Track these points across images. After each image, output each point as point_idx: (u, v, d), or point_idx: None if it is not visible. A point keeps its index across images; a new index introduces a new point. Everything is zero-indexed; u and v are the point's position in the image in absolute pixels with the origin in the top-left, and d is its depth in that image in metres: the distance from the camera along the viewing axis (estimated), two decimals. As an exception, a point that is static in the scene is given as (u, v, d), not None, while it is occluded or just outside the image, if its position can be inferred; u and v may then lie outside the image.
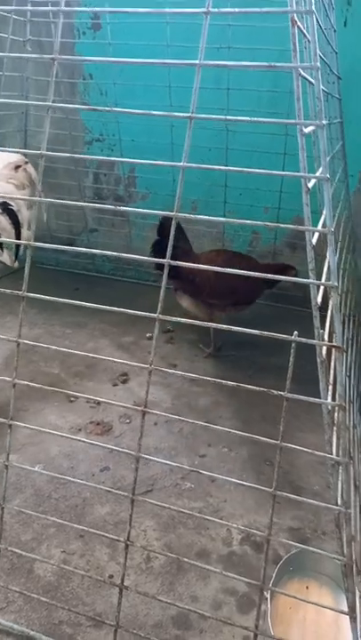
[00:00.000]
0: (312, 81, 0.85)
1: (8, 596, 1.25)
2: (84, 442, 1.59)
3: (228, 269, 0.92)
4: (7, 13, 2.51)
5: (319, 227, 0.90)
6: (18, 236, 2.21)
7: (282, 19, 0.83)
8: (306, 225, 0.86)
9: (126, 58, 1.02)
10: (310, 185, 0.86)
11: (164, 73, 2.42)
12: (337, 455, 0.89)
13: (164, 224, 2.19)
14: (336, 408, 0.89)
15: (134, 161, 0.96)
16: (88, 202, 3.04)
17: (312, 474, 1.70)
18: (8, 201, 2.17)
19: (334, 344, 0.86)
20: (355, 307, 2.07)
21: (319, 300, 0.88)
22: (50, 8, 2.36)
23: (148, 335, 2.50)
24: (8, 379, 1.08)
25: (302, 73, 0.83)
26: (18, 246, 2.25)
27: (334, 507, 0.88)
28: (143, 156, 1.00)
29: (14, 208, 2.20)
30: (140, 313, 0.95)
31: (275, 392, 0.90)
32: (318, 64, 0.83)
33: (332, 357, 0.91)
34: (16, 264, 2.26)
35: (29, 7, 2.56)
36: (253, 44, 2.24)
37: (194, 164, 0.92)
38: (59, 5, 0.98)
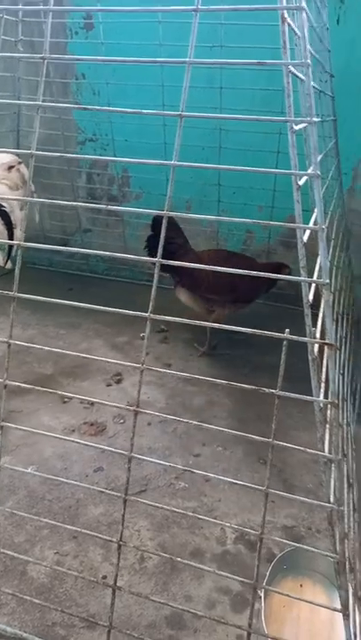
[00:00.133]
0: (302, 78, 0.85)
1: (1, 598, 1.24)
2: (77, 443, 1.58)
3: (214, 267, 0.92)
4: (-1, 13, 2.50)
5: (311, 224, 0.90)
6: (10, 237, 2.20)
7: (274, 17, 0.82)
8: (297, 222, 0.86)
9: (118, 57, 1.01)
10: (301, 182, 0.85)
11: (157, 72, 2.42)
12: (329, 453, 0.89)
13: (158, 220, 2.19)
14: (328, 405, 0.89)
15: (124, 160, 0.95)
16: (80, 202, 3.03)
17: (306, 472, 1.70)
18: (1, 202, 2.16)
19: (326, 341, 0.85)
20: (348, 305, 2.08)
21: (311, 297, 0.88)
22: (41, 7, 2.36)
23: (141, 335, 2.49)
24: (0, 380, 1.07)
25: (293, 70, 0.83)
26: (10, 247, 2.24)
27: (327, 504, 0.87)
28: (136, 156, 0.99)
29: (7, 209, 2.19)
30: (130, 312, 0.94)
31: (266, 390, 0.90)
32: (309, 61, 0.83)
33: (325, 355, 0.91)
34: (9, 265, 2.25)
35: (20, 6, 2.55)
36: (246, 43, 2.24)
37: (185, 163, 0.91)
38: (49, 5, 0.97)
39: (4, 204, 2.17)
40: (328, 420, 0.93)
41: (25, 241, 1.06)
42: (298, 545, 1.03)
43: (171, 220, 2.21)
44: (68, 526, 1.15)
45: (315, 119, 0.83)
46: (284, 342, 0.86)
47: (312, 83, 0.92)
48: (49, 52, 0.99)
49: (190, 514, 1.10)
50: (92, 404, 1.98)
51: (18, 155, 2.44)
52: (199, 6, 0.87)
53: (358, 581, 1.26)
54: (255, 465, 1.72)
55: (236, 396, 2.08)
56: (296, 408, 1.98)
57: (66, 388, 2.08)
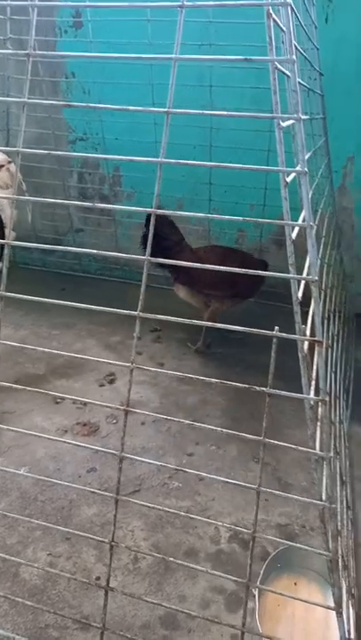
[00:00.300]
0: (288, 74, 0.84)
1: (-7, 600, 1.23)
2: (70, 443, 1.57)
3: (205, 265, 0.91)
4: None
5: (300, 222, 0.89)
6: (2, 237, 2.18)
7: (263, 15, 0.82)
8: (285, 219, 0.85)
9: (103, 54, 1.00)
10: (289, 179, 0.85)
11: (147, 71, 2.41)
12: (320, 450, 0.88)
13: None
14: (319, 403, 0.88)
15: (111, 157, 0.95)
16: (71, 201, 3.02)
17: (300, 470, 1.70)
18: (-10, 201, 2.15)
19: (315, 339, 0.85)
20: (341, 302, 2.08)
21: (300, 294, 0.88)
22: (29, 3, 2.34)
23: (135, 334, 2.48)
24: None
25: (278, 66, 0.83)
26: (2, 247, 2.22)
27: (319, 502, 0.87)
28: (127, 155, 0.98)
29: (-3, 208, 2.18)
30: (119, 311, 0.93)
31: (257, 388, 0.89)
32: (294, 57, 0.82)
33: (315, 352, 0.90)
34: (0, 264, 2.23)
35: (8, 2, 2.53)
36: (235, 41, 2.23)
37: (172, 160, 0.90)
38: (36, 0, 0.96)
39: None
40: (319, 417, 0.93)
41: (17, 241, 1.05)
42: (291, 543, 1.02)
43: (166, 218, 2.23)
44: (61, 527, 1.14)
45: (301, 116, 0.83)
46: (274, 340, 0.85)
47: (299, 80, 0.91)
48: (38, 52, 0.98)
49: (183, 513, 1.10)
50: (85, 404, 1.97)
51: (7, 154, 2.42)
52: (185, 2, 0.86)
53: (352, 579, 1.26)
54: (249, 464, 1.72)
55: (229, 394, 2.08)
56: (290, 406, 1.98)
57: (59, 389, 2.07)
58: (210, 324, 0.95)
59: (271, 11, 0.81)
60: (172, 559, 0.99)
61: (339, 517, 1.21)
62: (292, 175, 0.87)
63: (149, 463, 1.59)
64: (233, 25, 2.30)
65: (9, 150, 2.74)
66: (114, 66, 2.61)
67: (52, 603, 1.23)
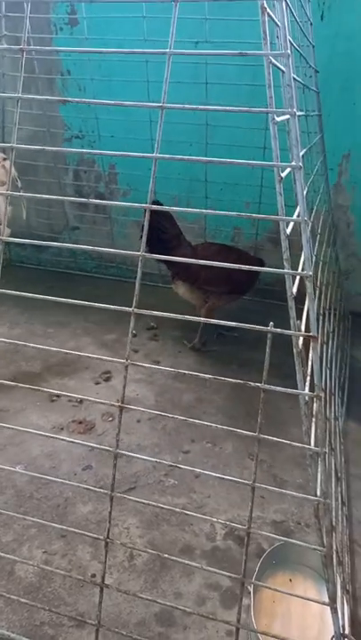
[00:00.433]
0: (283, 69, 0.84)
1: (-12, 598, 1.23)
2: (65, 440, 1.56)
3: (195, 260, 0.91)
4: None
5: (294, 217, 0.89)
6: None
7: (258, 12, 0.81)
8: (280, 215, 0.85)
9: (98, 49, 1.00)
10: (283, 174, 0.85)
11: (142, 68, 2.40)
12: (315, 446, 0.88)
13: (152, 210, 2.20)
14: (314, 399, 0.89)
15: (105, 152, 0.94)
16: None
17: (295, 467, 1.70)
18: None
19: (309, 334, 0.85)
20: (336, 300, 2.08)
21: (295, 290, 0.88)
22: None
23: (132, 331, 2.48)
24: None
25: (273, 61, 0.82)
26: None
27: (313, 498, 0.87)
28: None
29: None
30: (113, 307, 0.93)
31: (252, 384, 0.89)
32: (289, 51, 0.82)
33: (310, 349, 0.90)
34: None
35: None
36: (231, 38, 2.23)
37: (167, 155, 0.90)
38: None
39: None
40: (314, 413, 0.93)
41: (11, 238, 1.04)
42: (286, 539, 1.02)
43: (166, 212, 2.23)
44: (57, 525, 1.14)
45: (296, 111, 0.82)
46: (269, 335, 0.85)
47: (294, 75, 0.91)
48: (32, 47, 0.97)
49: (178, 510, 1.10)
50: (81, 401, 1.97)
51: (2, 151, 2.41)
52: (179, -3, 0.86)
53: (347, 575, 1.26)
54: (245, 461, 1.72)
55: (225, 392, 2.08)
56: (286, 403, 1.98)
57: (54, 387, 2.06)
58: (205, 319, 0.95)
59: (266, 5, 0.80)
60: (167, 556, 0.99)
61: (333, 513, 1.22)
62: (287, 171, 0.87)
63: (145, 460, 1.59)
64: (229, 22, 2.30)
65: (3, 146, 2.73)
66: (110, 63, 2.61)
67: (48, 600, 1.23)
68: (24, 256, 3.28)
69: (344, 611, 1.11)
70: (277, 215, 0.85)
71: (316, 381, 0.88)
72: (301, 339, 0.88)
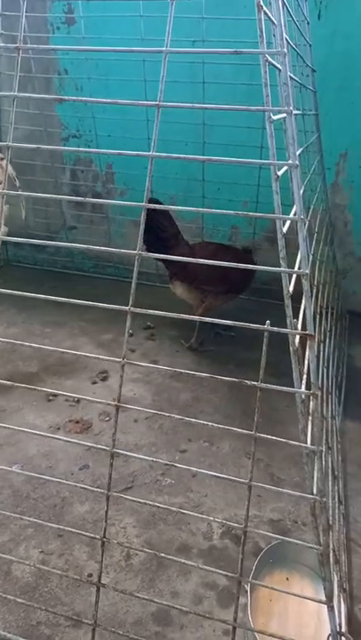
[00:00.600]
0: (279, 67, 0.84)
1: (-16, 598, 1.22)
2: (61, 440, 1.56)
3: (193, 259, 0.91)
4: (-22, 7, 2.46)
5: (291, 216, 0.89)
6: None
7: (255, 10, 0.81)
8: (276, 213, 0.85)
9: (95, 47, 0.99)
10: (280, 173, 0.85)
11: (140, 67, 2.40)
12: (312, 444, 0.88)
13: (151, 209, 2.20)
14: (310, 397, 0.88)
15: (102, 151, 0.94)
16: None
17: (292, 466, 1.70)
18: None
19: (306, 332, 0.85)
20: (333, 299, 2.08)
21: (291, 288, 0.88)
22: None
23: (129, 331, 2.48)
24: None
25: (269, 59, 0.82)
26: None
27: (309, 496, 0.87)
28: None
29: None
30: (109, 306, 0.93)
31: (248, 382, 0.89)
32: (285, 49, 0.82)
33: (307, 347, 0.90)
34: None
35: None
36: (228, 37, 2.23)
37: (163, 154, 0.90)
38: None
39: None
40: (310, 411, 0.93)
41: (8, 237, 1.04)
42: (283, 538, 1.02)
43: (164, 211, 2.23)
44: (54, 525, 1.14)
45: (292, 109, 0.82)
46: (265, 334, 0.85)
47: (290, 74, 0.91)
48: (31, 50, 0.97)
49: (175, 509, 1.10)
50: (78, 401, 1.97)
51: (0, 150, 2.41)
52: (175, -5, 0.85)
53: (344, 573, 1.26)
54: (242, 460, 1.72)
55: (222, 392, 2.08)
56: (283, 402, 1.98)
57: (51, 386, 2.06)
58: (202, 318, 0.95)
59: (262, 3, 0.80)
60: (163, 555, 0.99)
61: (330, 512, 1.22)
62: (284, 169, 0.87)
63: (142, 459, 1.59)
64: (226, 21, 2.30)
65: (-1, 145, 2.73)
66: (107, 63, 2.61)
67: (44, 600, 1.23)
68: (21, 256, 3.28)
69: (341, 609, 1.11)
70: (274, 214, 0.85)
71: (312, 380, 0.88)
72: (298, 337, 0.87)
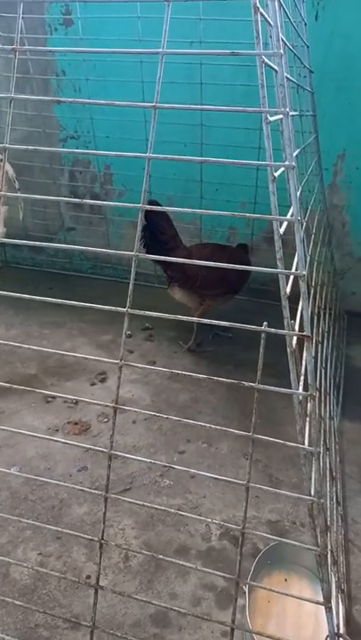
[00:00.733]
0: (275, 68, 0.84)
1: (-18, 600, 1.22)
2: (60, 442, 1.56)
3: (190, 260, 0.91)
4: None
5: (288, 217, 0.89)
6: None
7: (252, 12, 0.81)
8: (273, 214, 0.85)
9: (92, 48, 0.99)
10: (277, 174, 0.85)
11: (137, 68, 2.40)
12: (309, 445, 0.88)
13: (150, 210, 2.20)
14: (308, 398, 0.88)
15: (99, 152, 0.94)
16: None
17: (291, 467, 1.70)
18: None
19: (303, 333, 0.85)
20: (331, 299, 2.08)
21: (288, 290, 0.88)
22: None
23: (127, 332, 2.48)
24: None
25: (266, 60, 0.82)
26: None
27: (307, 497, 0.87)
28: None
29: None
30: (107, 307, 0.93)
31: (246, 384, 0.89)
32: (281, 51, 0.82)
33: (304, 348, 0.90)
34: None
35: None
36: (226, 38, 2.24)
37: (160, 155, 0.90)
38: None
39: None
40: (308, 412, 0.93)
41: (6, 239, 1.04)
42: (281, 539, 1.02)
43: (163, 213, 2.22)
44: (52, 527, 1.13)
45: (288, 110, 0.82)
46: (263, 335, 0.85)
47: (287, 75, 0.91)
48: (29, 51, 0.97)
49: (173, 511, 1.10)
50: (76, 403, 1.96)
51: (-3, 152, 2.40)
52: (171, -4, 0.85)
53: (342, 574, 1.26)
54: (240, 461, 1.72)
55: (220, 393, 2.08)
56: (281, 403, 1.98)
57: (50, 388, 2.06)
58: (200, 320, 0.94)
59: (258, 5, 0.80)
60: (162, 557, 0.99)
61: (328, 513, 1.22)
62: (280, 170, 0.87)
63: (140, 461, 1.59)
64: (223, 22, 2.30)
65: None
66: (105, 64, 2.61)
67: (43, 602, 1.23)
68: (20, 257, 3.28)
69: (339, 610, 1.11)
70: (271, 215, 0.85)
71: (310, 381, 0.88)
72: (295, 338, 0.87)
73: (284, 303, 0.86)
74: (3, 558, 1.25)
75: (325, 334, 1.70)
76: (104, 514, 0.98)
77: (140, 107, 0.95)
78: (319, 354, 1.47)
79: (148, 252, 2.13)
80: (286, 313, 0.87)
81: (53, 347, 2.35)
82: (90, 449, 1.03)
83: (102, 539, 0.99)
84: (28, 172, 2.96)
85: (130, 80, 2.46)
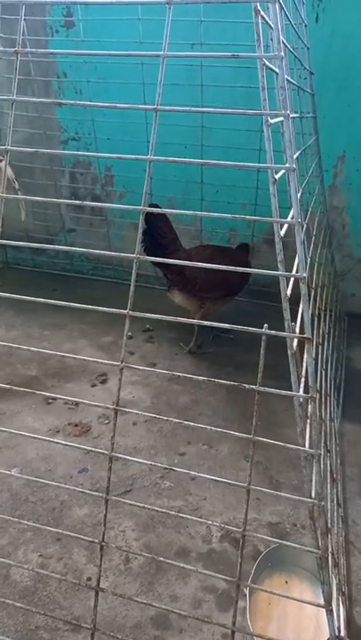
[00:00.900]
0: (276, 70, 0.84)
1: (-17, 602, 1.22)
2: (60, 443, 1.56)
3: (190, 262, 0.91)
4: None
5: (289, 219, 0.89)
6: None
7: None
8: (274, 216, 0.85)
9: (93, 51, 1.00)
10: (277, 176, 0.85)
11: (138, 70, 2.41)
12: (310, 447, 0.88)
13: (150, 213, 2.19)
14: (308, 400, 0.88)
15: (100, 155, 0.94)
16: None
17: (291, 469, 1.70)
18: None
19: (304, 336, 0.85)
20: (332, 301, 2.08)
21: (289, 292, 0.88)
22: (18, 0, 2.33)
23: (128, 333, 2.47)
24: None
25: (267, 63, 0.83)
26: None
27: (308, 499, 0.87)
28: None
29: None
30: (108, 309, 0.93)
31: (246, 386, 0.89)
32: (282, 53, 0.82)
33: (305, 350, 0.90)
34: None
35: (-1, 1, 2.52)
36: (227, 40, 2.24)
37: (161, 157, 0.90)
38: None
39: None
40: (308, 414, 0.93)
41: (6, 240, 1.04)
42: (281, 541, 1.02)
43: (163, 216, 2.22)
44: (52, 528, 1.14)
45: (289, 112, 0.83)
46: (263, 337, 0.85)
47: (288, 77, 0.91)
48: (27, 49, 0.97)
49: (174, 513, 1.10)
50: (77, 404, 1.96)
51: (-2, 154, 2.41)
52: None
53: (343, 576, 1.26)
54: (240, 463, 1.72)
55: (221, 395, 2.08)
56: (282, 405, 1.98)
57: (50, 390, 2.06)
58: (201, 322, 0.95)
59: (259, 8, 0.81)
60: (162, 559, 0.98)
61: (329, 515, 1.21)
62: (281, 172, 0.87)
63: (141, 463, 1.58)
64: (224, 25, 2.31)
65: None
66: (106, 66, 2.61)
67: (43, 604, 1.22)
68: (20, 258, 3.28)
69: (340, 612, 1.11)
70: (272, 217, 0.85)
71: (310, 383, 0.88)
72: (296, 340, 0.88)
73: (285, 305, 0.86)
74: (3, 560, 1.25)
75: (326, 336, 1.70)
76: (105, 516, 0.98)
77: (142, 109, 0.95)
78: (320, 356, 1.47)
79: (148, 256, 2.12)
80: (287, 315, 0.87)
81: (54, 348, 2.35)
82: (90, 451, 1.03)
83: (103, 541, 0.99)
84: (29, 174, 2.96)
85: (131, 82, 2.46)
